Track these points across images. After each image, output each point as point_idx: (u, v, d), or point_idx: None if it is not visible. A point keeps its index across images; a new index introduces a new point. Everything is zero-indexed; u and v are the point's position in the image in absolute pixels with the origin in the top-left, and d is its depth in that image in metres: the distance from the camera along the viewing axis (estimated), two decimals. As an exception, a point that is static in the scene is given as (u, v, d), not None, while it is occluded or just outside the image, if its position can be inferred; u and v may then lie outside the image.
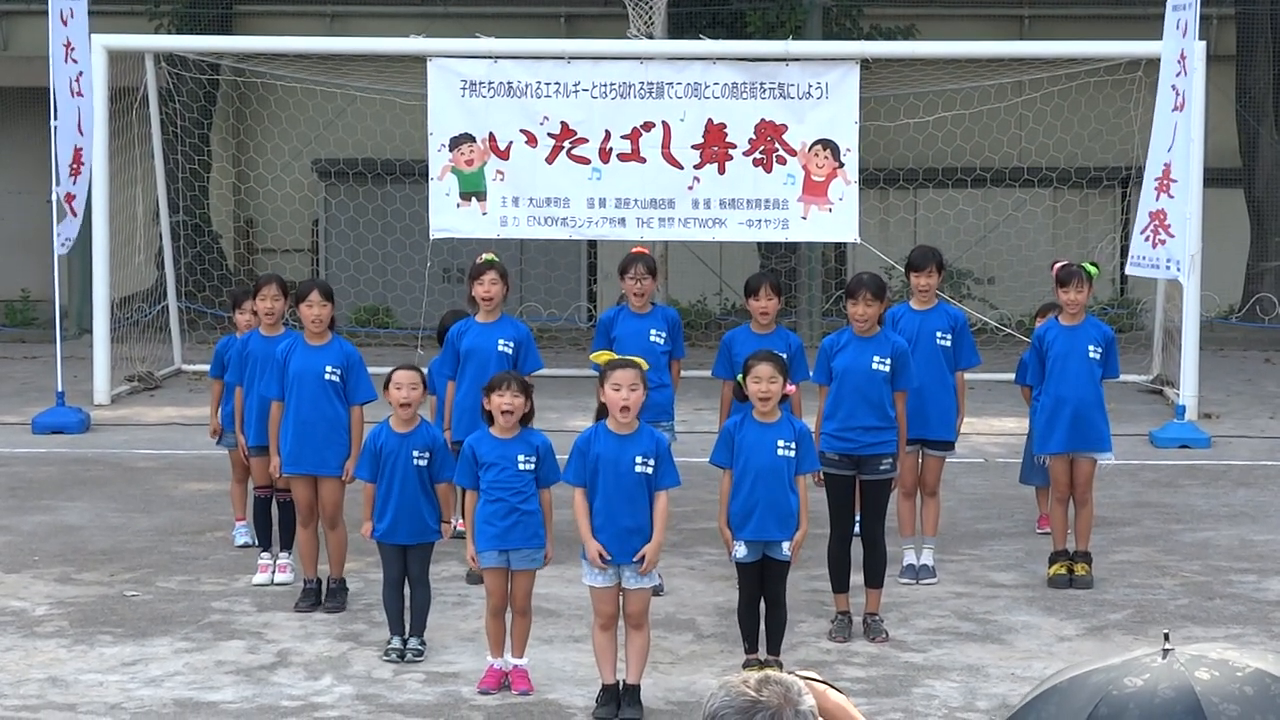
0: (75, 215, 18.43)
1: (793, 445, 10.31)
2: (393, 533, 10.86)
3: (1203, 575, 12.81)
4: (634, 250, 13.31)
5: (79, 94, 18.41)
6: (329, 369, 11.75)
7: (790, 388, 10.57)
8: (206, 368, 21.10)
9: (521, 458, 10.18)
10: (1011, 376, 20.24)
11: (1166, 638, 4.94)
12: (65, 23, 18.35)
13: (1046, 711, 4.94)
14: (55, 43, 18.28)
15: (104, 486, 15.71)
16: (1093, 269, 12.67)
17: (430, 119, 19.70)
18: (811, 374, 11.92)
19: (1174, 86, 17.04)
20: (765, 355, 10.58)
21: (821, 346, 11.83)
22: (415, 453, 10.86)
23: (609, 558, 9.75)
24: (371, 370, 12.17)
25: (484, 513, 10.20)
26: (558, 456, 10.31)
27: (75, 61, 18.42)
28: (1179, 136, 16.89)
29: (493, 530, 10.15)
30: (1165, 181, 16.92)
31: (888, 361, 11.46)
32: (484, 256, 12.81)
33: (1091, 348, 12.50)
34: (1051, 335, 12.64)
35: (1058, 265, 12.85)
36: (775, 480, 10.28)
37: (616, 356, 10.09)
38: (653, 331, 12.82)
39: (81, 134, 18.43)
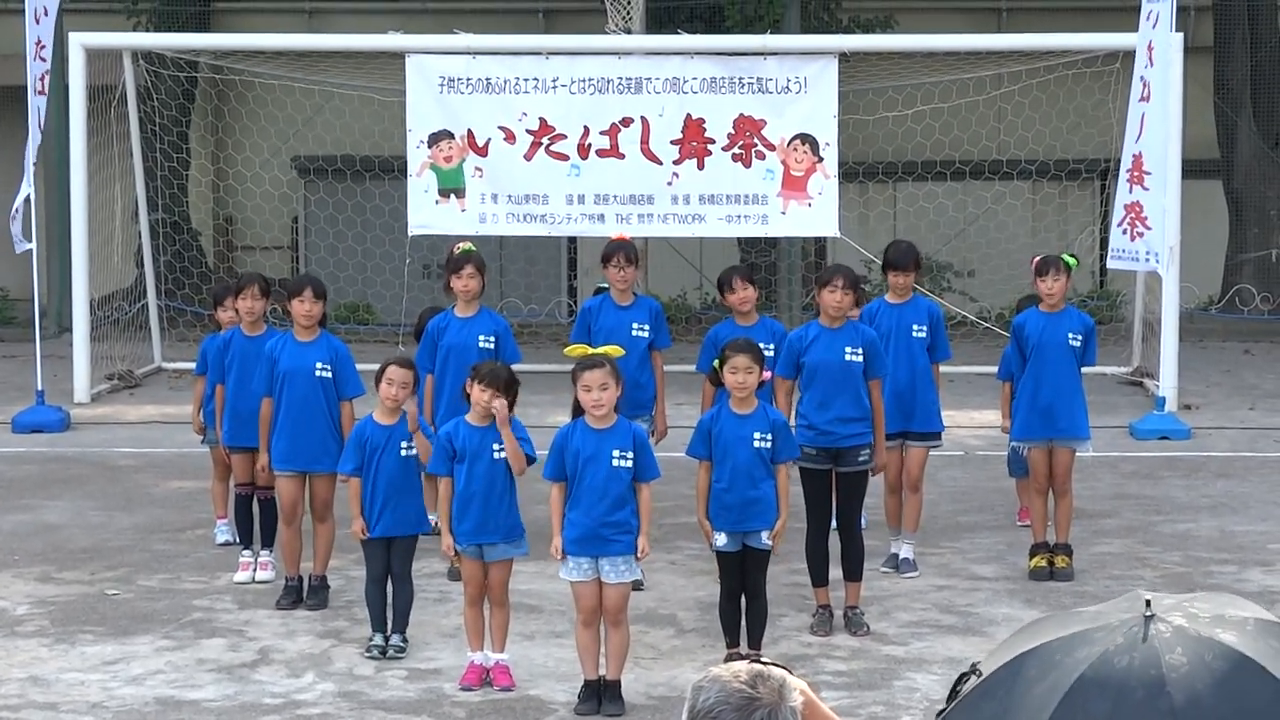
0: (14, 214, 18.32)
1: (769, 437, 10.33)
2: (377, 525, 10.86)
3: (1183, 566, 12.84)
4: (615, 238, 13.30)
5: (41, 92, 18.38)
6: (319, 365, 11.76)
7: (766, 374, 10.57)
8: (187, 366, 21.18)
9: (496, 446, 10.18)
10: (992, 370, 20.33)
11: (1148, 604, 4.93)
12: (38, 21, 18.32)
13: (1028, 674, 4.94)
14: (30, 41, 18.25)
15: (84, 485, 15.68)
16: (1072, 260, 12.69)
17: (409, 115, 19.68)
18: (775, 368, 11.67)
19: (1141, 78, 17.10)
20: (743, 345, 10.51)
21: (788, 340, 11.79)
22: (402, 444, 10.85)
23: (561, 558, 9.83)
24: (358, 368, 12.15)
25: (458, 503, 10.22)
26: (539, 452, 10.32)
27: (44, 60, 18.39)
28: (1149, 128, 16.92)
29: (468, 525, 10.19)
30: (1136, 174, 16.95)
31: (860, 351, 11.41)
32: (461, 247, 12.73)
33: (1071, 335, 12.51)
34: (1031, 323, 12.65)
35: (1036, 258, 12.90)
36: (753, 472, 10.31)
37: (589, 353, 10.04)
38: (634, 325, 12.78)
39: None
